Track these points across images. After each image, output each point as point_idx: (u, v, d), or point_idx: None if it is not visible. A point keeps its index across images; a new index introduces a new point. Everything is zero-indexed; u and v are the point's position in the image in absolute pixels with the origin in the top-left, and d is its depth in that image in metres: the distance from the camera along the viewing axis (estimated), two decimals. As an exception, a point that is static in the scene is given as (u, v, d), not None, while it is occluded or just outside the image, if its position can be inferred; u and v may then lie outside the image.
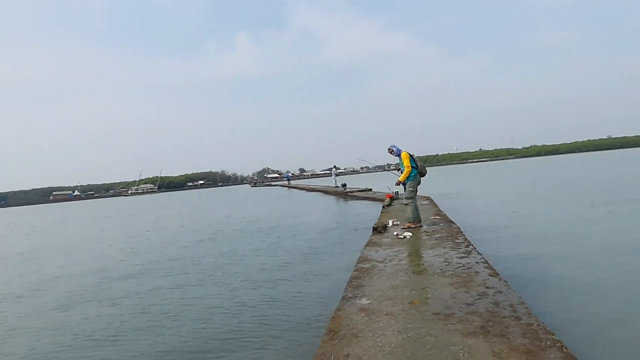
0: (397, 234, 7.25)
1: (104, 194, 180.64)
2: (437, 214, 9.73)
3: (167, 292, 6.66)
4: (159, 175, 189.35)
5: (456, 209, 12.32)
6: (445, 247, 5.98)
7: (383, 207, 12.66)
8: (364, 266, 5.28)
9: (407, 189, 7.98)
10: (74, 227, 23.26)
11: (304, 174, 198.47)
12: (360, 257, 5.92)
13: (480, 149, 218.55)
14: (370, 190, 23.14)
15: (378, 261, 5.49)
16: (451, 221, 8.51)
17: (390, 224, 8.47)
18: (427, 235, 7.06)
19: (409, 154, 7.93)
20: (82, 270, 9.21)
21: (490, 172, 48.32)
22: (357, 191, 22.97)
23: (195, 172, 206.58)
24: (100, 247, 13.04)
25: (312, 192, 34.72)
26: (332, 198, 25.42)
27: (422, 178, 8.09)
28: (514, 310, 3.33)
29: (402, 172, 8.02)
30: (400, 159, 7.99)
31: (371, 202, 18.07)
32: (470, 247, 5.90)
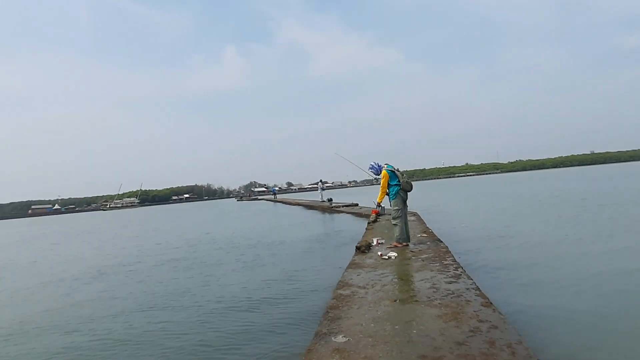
0: (381, 254, 6.76)
1: (86, 208, 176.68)
2: (424, 232, 9.28)
3: (130, 317, 6.02)
4: (140, 189, 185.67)
5: (444, 226, 11.92)
6: (432, 270, 5.50)
7: (368, 223, 12.17)
8: (344, 293, 4.75)
9: (392, 208, 7.53)
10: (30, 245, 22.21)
11: (292, 187, 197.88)
12: (340, 280, 5.40)
13: (467, 164, 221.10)
14: (357, 205, 22.70)
15: (359, 286, 4.97)
16: (439, 240, 8.05)
17: (375, 242, 7.98)
18: (413, 256, 6.58)
19: (391, 171, 7.48)
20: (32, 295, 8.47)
21: (477, 186, 48.45)
22: (343, 206, 22.50)
23: (180, 186, 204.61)
24: (59, 267, 12.24)
25: (298, 207, 34.16)
26: (317, 213, 24.89)
27: (409, 193, 7.65)
28: (513, 353, 2.84)
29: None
30: (380, 177, 7.58)
31: (357, 217, 17.59)
32: (460, 269, 5.43)
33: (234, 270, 8.93)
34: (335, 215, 20.91)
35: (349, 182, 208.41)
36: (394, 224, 7.48)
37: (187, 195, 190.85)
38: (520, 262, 7.48)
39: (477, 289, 4.50)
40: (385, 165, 7.66)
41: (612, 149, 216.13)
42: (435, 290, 4.54)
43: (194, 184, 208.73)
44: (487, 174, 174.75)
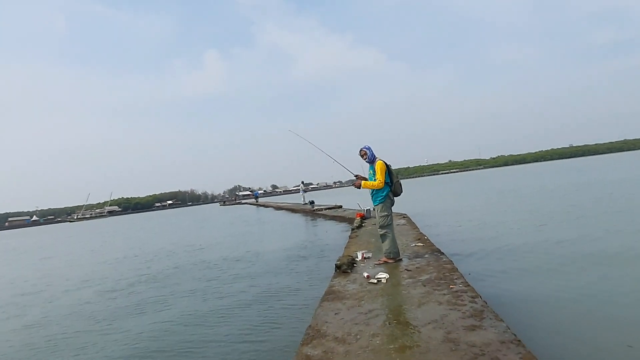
0: (368, 276, 5.13)
1: (66, 219, 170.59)
2: (419, 239, 7.70)
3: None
4: (109, 199, 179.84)
5: (439, 230, 10.40)
6: (440, 303, 3.89)
7: (352, 229, 10.57)
8: (313, 354, 3.10)
9: (378, 215, 5.92)
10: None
11: (276, 190, 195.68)
12: (310, 326, 3.75)
13: (450, 161, 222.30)
14: (340, 207, 21.10)
15: (337, 339, 3.32)
16: (438, 250, 6.47)
17: (360, 257, 6.36)
18: (410, 277, 4.97)
19: (386, 165, 5.88)
20: None
21: (463, 183, 47.42)
22: (325, 208, 20.87)
23: (163, 192, 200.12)
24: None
25: (279, 211, 32.40)
26: (298, 217, 23.20)
27: (395, 198, 6.05)
28: None
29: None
30: (374, 168, 5.94)
31: (340, 222, 15.96)
32: (478, 301, 3.84)
33: (172, 305, 6.98)
34: (318, 220, 19.26)
35: (334, 182, 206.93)
36: (383, 235, 5.88)
37: (170, 202, 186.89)
38: (550, 284, 5.94)
39: (518, 340, 2.90)
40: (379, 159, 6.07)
41: (590, 141, 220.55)
42: (453, 345, 2.92)
43: (177, 190, 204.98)
44: (470, 170, 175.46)
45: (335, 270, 5.76)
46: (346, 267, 5.70)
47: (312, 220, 19.88)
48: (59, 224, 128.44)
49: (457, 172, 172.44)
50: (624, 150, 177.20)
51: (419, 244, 7.09)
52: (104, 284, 9.51)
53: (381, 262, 5.88)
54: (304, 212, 23.80)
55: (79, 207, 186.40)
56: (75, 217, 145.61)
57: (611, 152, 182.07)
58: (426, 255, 6.14)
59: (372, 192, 6.04)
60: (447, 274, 4.95)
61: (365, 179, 6.03)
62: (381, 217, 5.86)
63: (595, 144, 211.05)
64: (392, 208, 6.04)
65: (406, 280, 4.86)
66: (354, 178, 6.28)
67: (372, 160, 6.03)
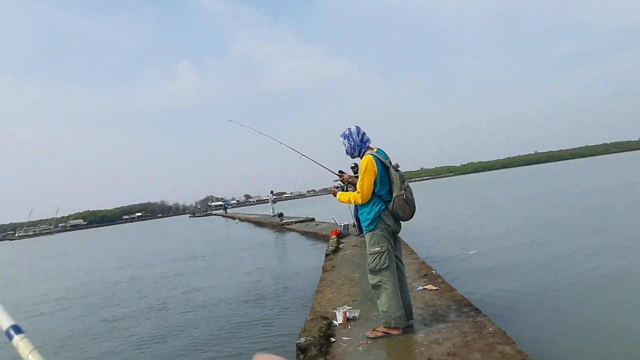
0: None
1: (6, 236, 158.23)
2: (425, 275, 5.23)
3: None
4: (55, 217, 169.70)
5: (447, 256, 7.76)
6: None
7: (326, 254, 8.01)
8: None
9: (367, 249, 3.43)
10: None
11: (249, 200, 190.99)
12: None
13: (422, 168, 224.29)
14: (313, 220, 18.54)
15: None
16: (467, 303, 3.98)
17: (340, 319, 3.80)
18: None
19: (380, 163, 3.40)
20: None
21: (439, 190, 45.75)
22: (295, 222, 18.24)
23: (132, 204, 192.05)
24: None
25: (246, 223, 29.52)
26: (265, 232, 20.46)
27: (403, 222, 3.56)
28: None
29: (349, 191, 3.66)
30: (359, 168, 3.48)
31: (312, 239, 13.37)
32: None
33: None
34: (286, 235, 16.61)
35: (308, 191, 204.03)
36: (375, 285, 3.37)
37: (139, 214, 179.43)
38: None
39: None
40: (376, 150, 3.56)
41: (554, 148, 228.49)
42: None
43: (147, 202, 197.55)
44: (442, 177, 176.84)
45: (298, 357, 3.17)
46: (317, 350, 3.12)
47: (280, 235, 17.20)
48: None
49: (429, 179, 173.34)
50: (585, 156, 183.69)
51: (430, 287, 4.61)
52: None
53: (378, 333, 3.34)
54: (272, 226, 21.09)
55: (33, 222, 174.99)
56: (16, 235, 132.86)
57: (574, 157, 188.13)
58: (450, 315, 3.66)
59: (357, 210, 3.58)
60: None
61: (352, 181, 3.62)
62: (371, 254, 3.37)
63: (559, 150, 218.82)
64: (397, 237, 3.58)
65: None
66: (337, 181, 3.89)
67: (355, 152, 3.58)
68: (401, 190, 3.35)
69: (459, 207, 19.07)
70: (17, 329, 0.83)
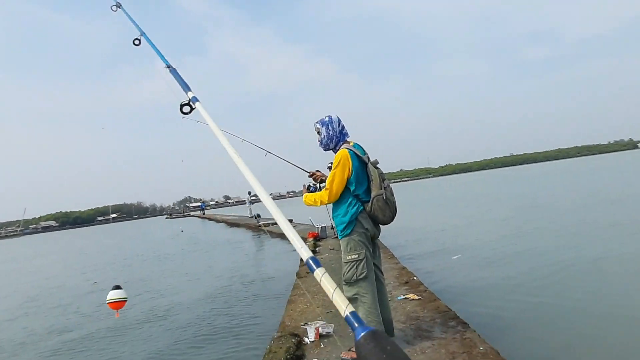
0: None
1: None
2: (406, 282, 4.83)
3: None
4: (22, 218, 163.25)
5: (429, 262, 7.21)
6: None
7: (301, 259, 7.54)
8: None
9: (343, 254, 3.02)
10: None
11: (229, 201, 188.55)
12: None
13: (401, 169, 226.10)
14: (291, 221, 17.88)
15: None
16: (453, 315, 3.58)
17: (312, 335, 3.34)
18: None
19: (355, 158, 2.98)
20: None
21: (418, 191, 45.94)
22: (272, 224, 17.68)
23: (107, 205, 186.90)
24: None
25: (223, 225, 28.79)
26: (242, 233, 19.86)
27: (381, 226, 3.12)
28: None
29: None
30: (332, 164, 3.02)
31: (289, 242, 12.85)
32: None
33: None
34: (263, 237, 16.06)
35: (288, 192, 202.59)
36: (353, 298, 2.92)
37: (114, 215, 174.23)
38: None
39: None
40: (353, 144, 3.11)
41: (529, 150, 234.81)
42: None
43: (122, 203, 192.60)
44: (420, 178, 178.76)
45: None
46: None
47: (256, 237, 16.66)
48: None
49: (408, 180, 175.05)
50: (558, 159, 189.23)
51: (412, 296, 4.20)
52: None
53: (354, 355, 2.90)
54: (249, 228, 20.50)
55: (3, 224, 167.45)
56: None
57: (547, 160, 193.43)
58: (436, 330, 3.25)
59: (332, 211, 3.14)
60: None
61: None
62: (347, 262, 2.94)
63: (534, 153, 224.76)
64: (377, 244, 3.16)
65: None
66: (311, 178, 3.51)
67: (330, 145, 3.13)
68: (381, 189, 2.93)
69: (439, 209, 18.93)
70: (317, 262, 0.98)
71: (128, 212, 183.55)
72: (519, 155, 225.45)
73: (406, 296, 4.22)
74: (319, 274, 0.77)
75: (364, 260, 2.89)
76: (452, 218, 14.52)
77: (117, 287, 3.58)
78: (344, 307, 0.93)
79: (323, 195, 2.99)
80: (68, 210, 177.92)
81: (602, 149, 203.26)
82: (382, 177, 3.02)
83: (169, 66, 2.54)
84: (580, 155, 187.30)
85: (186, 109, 2.14)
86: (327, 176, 3.33)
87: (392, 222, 3.05)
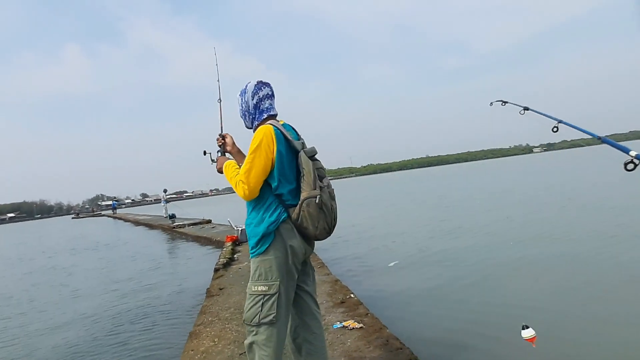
0: None
1: None
2: (343, 302, 3.92)
3: None
4: None
5: (362, 272, 6.36)
6: None
7: (215, 269, 6.31)
8: None
9: (250, 280, 1.94)
10: None
11: (146, 199, 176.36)
12: None
13: (325, 169, 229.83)
14: (209, 222, 16.46)
15: None
16: (410, 355, 2.72)
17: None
18: None
19: (285, 139, 1.95)
20: None
21: (344, 190, 46.22)
22: (188, 225, 15.97)
23: (4, 204, 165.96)
24: None
25: (135, 225, 26.01)
26: (155, 235, 17.77)
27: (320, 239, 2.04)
28: None
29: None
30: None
31: (205, 246, 11.43)
32: None
33: None
34: (177, 240, 14.33)
35: (211, 190, 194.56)
36: (249, 346, 1.88)
37: (11, 215, 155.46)
38: None
39: None
40: (281, 123, 2.05)
41: (442, 152, 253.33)
42: None
43: (22, 201, 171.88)
44: (344, 177, 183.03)
45: None
46: None
47: (170, 241, 14.82)
48: None
49: (331, 179, 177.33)
50: (468, 161, 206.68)
51: (351, 324, 3.28)
52: None
53: None
54: (163, 229, 18.46)
55: None
56: None
57: (458, 162, 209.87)
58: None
59: (246, 217, 2.06)
60: None
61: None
62: (251, 295, 1.90)
63: (447, 155, 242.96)
64: (309, 263, 2.16)
65: None
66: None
67: (249, 126, 2.11)
68: (315, 189, 1.93)
69: (365, 209, 18.64)
70: None
71: (28, 211, 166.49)
72: (434, 156, 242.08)
73: (344, 323, 3.30)
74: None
75: (276, 296, 1.86)
76: (380, 218, 14.16)
77: None
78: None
79: (238, 186, 1.90)
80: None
81: (504, 152, 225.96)
82: (320, 172, 2.03)
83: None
84: (487, 158, 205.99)
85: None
86: (237, 149, 2.27)
87: (328, 238, 2.06)
